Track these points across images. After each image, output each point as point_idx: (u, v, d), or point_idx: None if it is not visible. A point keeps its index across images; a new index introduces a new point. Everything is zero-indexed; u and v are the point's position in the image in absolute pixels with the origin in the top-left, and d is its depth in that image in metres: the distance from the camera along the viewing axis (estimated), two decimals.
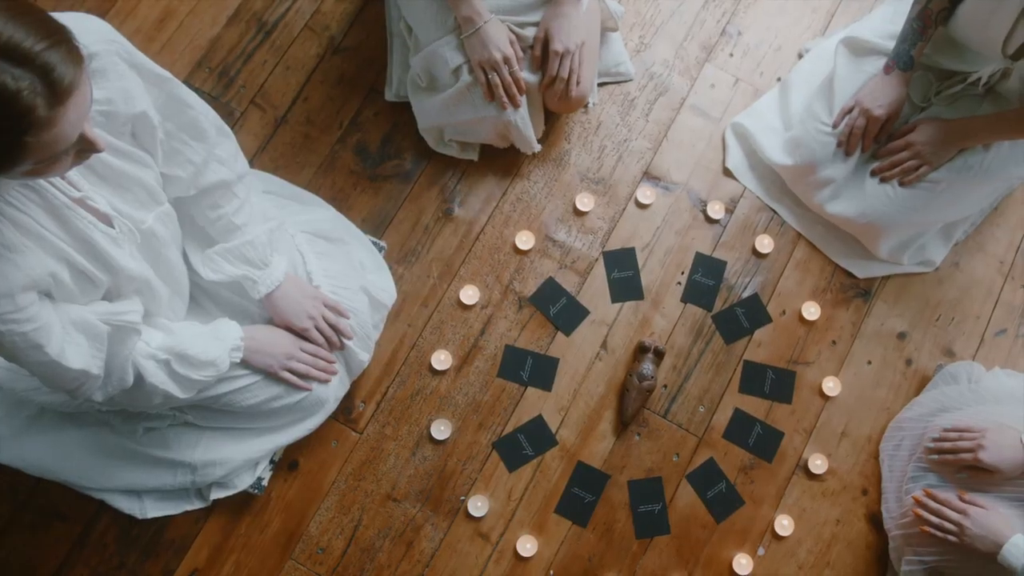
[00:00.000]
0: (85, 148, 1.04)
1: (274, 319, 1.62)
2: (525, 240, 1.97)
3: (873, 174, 1.86)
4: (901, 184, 1.84)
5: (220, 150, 1.44)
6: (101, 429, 1.67)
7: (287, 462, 1.86)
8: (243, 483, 1.78)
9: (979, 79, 1.78)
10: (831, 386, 1.94)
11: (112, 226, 1.26)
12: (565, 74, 1.83)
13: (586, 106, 2.07)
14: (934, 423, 1.80)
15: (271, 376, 1.61)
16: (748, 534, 1.88)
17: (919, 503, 1.71)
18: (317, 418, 1.75)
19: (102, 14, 2.02)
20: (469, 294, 1.94)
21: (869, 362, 1.98)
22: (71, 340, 1.22)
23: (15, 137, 0.91)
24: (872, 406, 1.95)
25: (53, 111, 0.92)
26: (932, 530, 1.67)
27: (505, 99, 1.80)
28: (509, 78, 1.79)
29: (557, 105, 1.90)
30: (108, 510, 1.78)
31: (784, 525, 1.87)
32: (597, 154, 2.05)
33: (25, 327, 1.13)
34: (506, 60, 1.77)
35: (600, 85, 2.09)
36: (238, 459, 1.71)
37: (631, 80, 2.10)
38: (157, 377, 1.39)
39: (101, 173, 1.24)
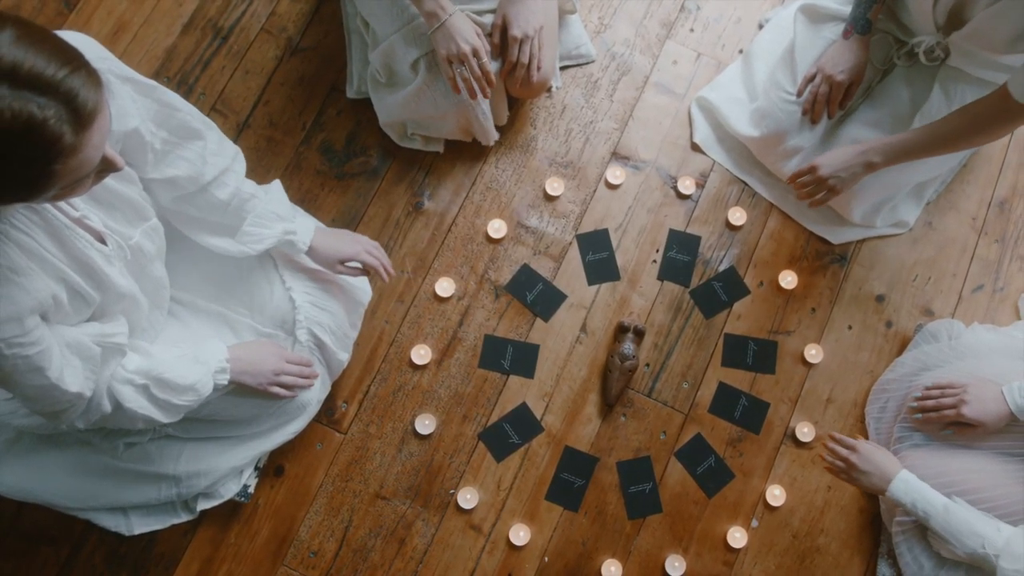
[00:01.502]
0: (105, 168, 1.04)
1: (325, 262, 1.63)
2: (497, 229, 1.96)
3: (789, 179, 1.83)
4: (810, 206, 1.83)
5: (211, 143, 1.45)
6: (81, 448, 1.65)
7: (272, 467, 1.84)
8: (229, 492, 1.76)
9: (918, 50, 1.78)
10: (813, 353, 1.94)
11: (105, 244, 1.25)
12: (525, 60, 1.82)
13: (549, 90, 2.06)
14: (917, 383, 1.80)
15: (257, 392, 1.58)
16: (740, 507, 1.88)
17: (826, 445, 1.72)
18: (300, 422, 1.73)
19: (54, 29, 1.99)
20: (445, 286, 1.93)
21: (849, 327, 1.98)
22: (68, 363, 1.21)
23: (44, 166, 0.91)
24: (855, 370, 1.95)
25: (78, 137, 0.92)
26: (828, 467, 1.69)
27: (476, 91, 1.77)
28: (478, 71, 1.74)
29: (519, 91, 1.89)
30: (95, 530, 1.76)
31: (776, 495, 1.87)
32: (564, 138, 2.04)
33: (29, 351, 1.12)
34: (475, 52, 1.73)
35: (562, 68, 2.08)
36: (222, 468, 1.69)
37: (593, 61, 2.09)
38: (135, 402, 1.36)
39: (93, 192, 1.22)
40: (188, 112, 1.40)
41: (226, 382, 1.49)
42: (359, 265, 1.68)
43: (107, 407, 1.32)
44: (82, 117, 0.92)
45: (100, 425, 1.41)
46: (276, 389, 1.58)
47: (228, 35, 2.05)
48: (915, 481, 1.59)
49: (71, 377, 1.21)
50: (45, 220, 1.14)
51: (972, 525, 1.53)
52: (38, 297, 1.11)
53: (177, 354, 1.44)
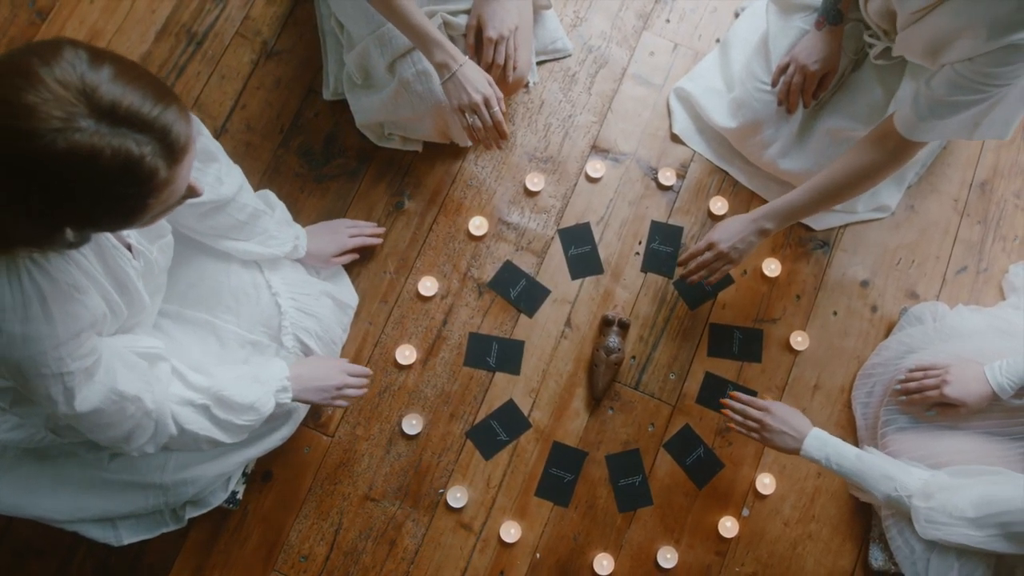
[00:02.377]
0: (187, 195, 1.07)
1: (318, 261, 1.79)
2: (478, 226, 1.96)
3: (681, 276, 1.80)
4: (706, 284, 1.80)
5: (223, 163, 1.49)
6: (67, 461, 1.64)
7: (260, 473, 1.83)
8: (217, 499, 1.75)
9: (869, 51, 1.78)
10: (799, 340, 1.94)
11: (137, 260, 1.28)
12: (501, 61, 1.81)
13: (527, 86, 2.05)
14: (902, 366, 1.80)
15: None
16: (731, 496, 1.87)
17: (725, 404, 1.73)
18: (287, 428, 1.73)
19: (27, 39, 1.98)
20: (427, 285, 1.92)
21: (835, 313, 1.97)
22: (119, 370, 1.24)
23: (140, 200, 0.95)
24: (842, 356, 1.95)
25: (171, 171, 0.96)
26: (738, 428, 1.69)
27: (490, 142, 1.74)
28: (490, 120, 1.70)
29: None
30: (83, 542, 1.75)
31: (766, 484, 1.87)
32: (543, 132, 2.04)
33: (87, 362, 1.16)
34: (486, 101, 1.69)
35: (539, 63, 2.07)
36: (210, 476, 1.68)
37: (570, 55, 2.09)
38: (197, 424, 1.38)
39: None
40: (207, 135, 1.43)
41: (289, 400, 1.52)
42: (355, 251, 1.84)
43: (173, 428, 1.35)
44: (175, 152, 0.95)
45: (167, 449, 1.42)
46: (339, 403, 1.62)
47: (202, 40, 2.04)
48: (827, 436, 1.61)
49: (125, 381, 1.23)
50: (94, 239, 1.16)
51: (885, 470, 1.55)
52: (95, 313, 1.15)
53: (237, 374, 1.47)
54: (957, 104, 1.42)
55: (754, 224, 1.70)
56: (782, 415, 1.65)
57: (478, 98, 1.67)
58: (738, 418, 1.69)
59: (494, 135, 1.72)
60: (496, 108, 1.69)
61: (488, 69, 1.82)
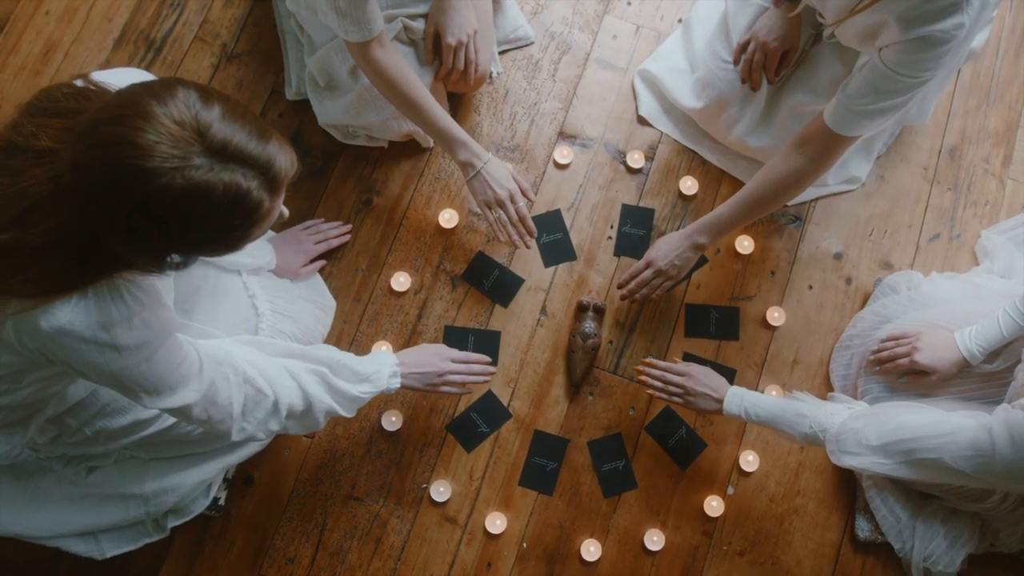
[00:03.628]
0: (277, 220, 1.12)
1: (287, 274, 1.79)
2: (448, 219, 1.94)
3: (621, 298, 1.83)
4: (647, 300, 1.84)
5: None
6: (44, 477, 1.62)
7: (242, 478, 1.82)
8: (199, 507, 1.73)
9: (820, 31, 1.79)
10: (776, 316, 1.94)
11: None
12: (461, 66, 1.82)
13: (491, 76, 2.04)
14: (878, 336, 1.80)
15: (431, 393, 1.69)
16: (715, 475, 1.87)
17: (641, 372, 1.76)
18: None
19: None
20: (400, 281, 1.91)
21: (810, 287, 1.97)
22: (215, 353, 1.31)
23: (246, 230, 1.02)
24: (819, 330, 1.95)
25: (273, 201, 1.02)
26: (658, 394, 1.72)
27: (516, 238, 1.75)
28: (516, 216, 1.73)
29: (457, 88, 1.89)
30: (66, 557, 1.73)
31: (749, 461, 1.87)
32: (509, 122, 2.03)
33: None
34: (511, 197, 1.73)
35: (502, 52, 2.06)
36: (190, 483, 1.67)
37: (532, 43, 2.08)
38: (316, 392, 1.42)
39: None
40: None
41: (397, 385, 1.56)
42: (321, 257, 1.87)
43: (299, 404, 1.40)
44: (277, 183, 1.01)
45: (283, 432, 1.45)
46: (445, 388, 1.64)
47: (161, 46, 2.03)
48: (744, 391, 1.63)
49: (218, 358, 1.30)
50: None
51: (798, 410, 1.56)
52: (175, 318, 1.20)
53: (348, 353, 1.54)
54: (883, 109, 1.44)
55: (688, 240, 1.72)
56: (701, 378, 1.69)
57: (503, 194, 1.71)
58: (658, 384, 1.72)
59: (520, 230, 1.74)
60: (521, 203, 1.73)
61: (448, 73, 1.81)
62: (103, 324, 1.06)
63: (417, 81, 1.67)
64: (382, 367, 1.54)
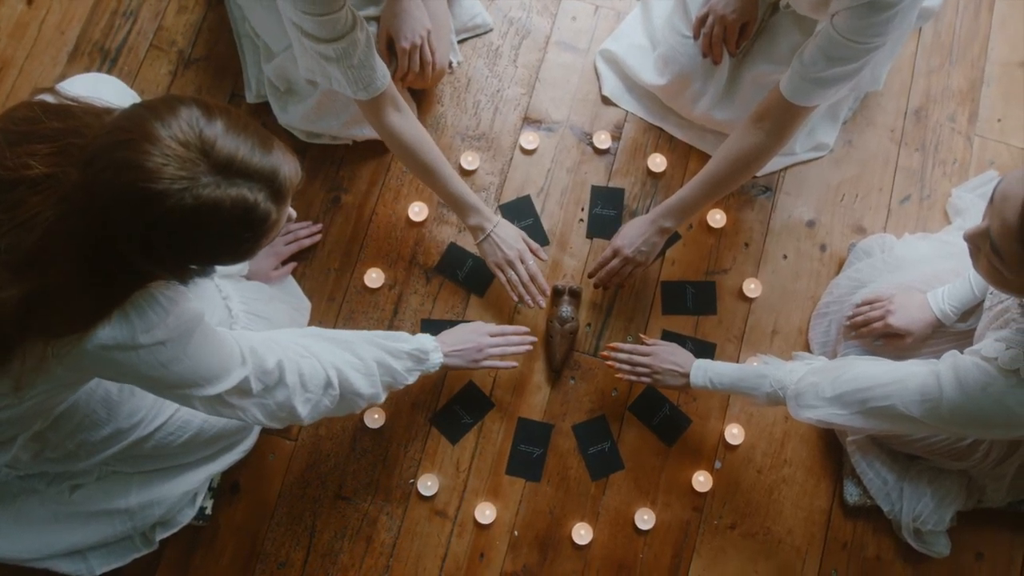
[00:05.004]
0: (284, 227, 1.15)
1: (260, 279, 1.79)
2: (418, 212, 1.93)
3: (594, 287, 1.85)
4: (621, 286, 1.87)
5: None
6: (28, 499, 1.61)
7: (228, 485, 1.81)
8: (186, 517, 1.72)
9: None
10: (752, 288, 1.93)
11: None
12: (416, 68, 1.81)
13: (451, 65, 2.02)
14: (854, 301, 1.80)
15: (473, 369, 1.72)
16: (702, 451, 1.87)
17: (607, 357, 1.78)
18: (249, 440, 1.72)
19: None
20: (373, 277, 1.90)
21: (784, 256, 1.97)
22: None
23: (256, 241, 1.04)
24: (796, 298, 1.95)
25: (279, 211, 1.04)
26: (627, 376, 1.73)
27: (527, 297, 1.77)
28: (527, 276, 1.76)
29: (415, 85, 1.88)
30: None
31: (734, 434, 1.87)
32: (473, 110, 2.02)
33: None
34: (520, 257, 1.75)
35: (461, 41, 2.05)
36: (175, 495, 1.66)
37: (491, 30, 2.06)
38: (352, 371, 1.43)
39: None
40: None
41: (439, 361, 1.59)
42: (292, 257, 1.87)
43: (335, 391, 1.40)
44: (282, 193, 1.03)
45: (327, 415, 1.45)
46: (489, 363, 1.68)
47: (117, 57, 2.00)
48: (707, 362, 1.66)
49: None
50: None
51: (759, 371, 1.58)
52: (199, 305, 1.21)
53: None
54: (837, 76, 1.44)
55: (653, 225, 1.73)
56: (666, 355, 1.71)
57: (512, 255, 1.74)
58: (626, 367, 1.73)
59: (532, 290, 1.76)
60: (531, 262, 1.77)
61: (405, 74, 1.80)
62: (145, 328, 1.08)
63: (433, 146, 1.69)
64: (418, 343, 1.57)
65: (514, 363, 1.75)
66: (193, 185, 0.94)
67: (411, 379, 1.55)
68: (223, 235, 1.00)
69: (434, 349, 1.59)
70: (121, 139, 0.94)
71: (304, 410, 1.37)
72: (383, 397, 1.51)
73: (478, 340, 1.67)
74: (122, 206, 0.94)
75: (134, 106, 1.00)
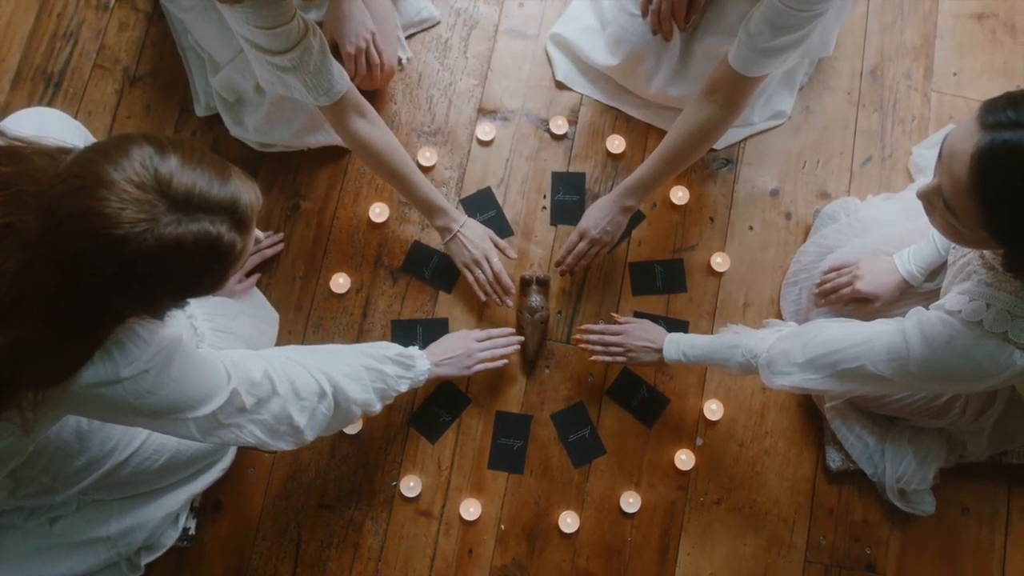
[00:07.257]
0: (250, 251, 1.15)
1: (225, 293, 1.75)
2: (379, 213, 1.91)
3: (561, 273, 1.84)
4: (588, 268, 1.87)
5: None
6: (8, 534, 1.59)
7: (210, 504, 1.80)
8: (169, 539, 1.71)
9: None
10: (719, 262, 1.93)
11: None
12: (364, 71, 1.80)
13: (400, 62, 2.00)
14: (822, 268, 1.79)
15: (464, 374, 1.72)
16: (682, 429, 1.87)
17: (579, 340, 1.79)
18: (228, 458, 1.71)
19: None
20: (340, 282, 1.88)
21: (751, 228, 1.96)
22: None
23: (224, 272, 1.03)
24: (765, 269, 1.94)
25: (244, 240, 1.03)
26: (601, 357, 1.74)
27: (494, 296, 1.80)
28: (492, 275, 1.78)
29: (365, 85, 1.86)
30: None
31: (713, 410, 1.86)
32: (426, 106, 1.99)
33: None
34: (486, 256, 1.78)
35: (409, 36, 2.02)
36: (157, 518, 1.65)
37: (439, 23, 2.04)
38: (350, 381, 1.43)
39: None
40: None
41: (427, 367, 1.61)
42: (255, 268, 1.85)
43: (329, 400, 1.39)
44: (245, 222, 1.02)
45: (328, 427, 1.44)
46: (480, 366, 1.71)
47: (60, 80, 1.97)
48: (680, 336, 1.66)
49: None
50: None
51: (731, 341, 1.58)
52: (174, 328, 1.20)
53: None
54: (783, 45, 1.44)
55: (616, 204, 1.73)
56: (637, 331, 1.72)
57: (478, 254, 1.77)
58: (599, 348, 1.74)
59: (497, 288, 1.79)
60: (496, 261, 1.78)
61: (352, 79, 1.78)
62: (127, 362, 1.08)
63: (401, 151, 1.70)
64: (410, 352, 1.59)
65: (505, 360, 1.77)
66: (154, 226, 0.93)
67: (402, 387, 1.55)
68: (191, 270, 1.00)
69: (420, 356, 1.61)
70: (76, 187, 0.93)
71: (302, 419, 1.36)
72: (378, 405, 1.50)
73: (467, 346, 1.70)
74: (87, 253, 0.94)
75: (86, 150, 0.99)
